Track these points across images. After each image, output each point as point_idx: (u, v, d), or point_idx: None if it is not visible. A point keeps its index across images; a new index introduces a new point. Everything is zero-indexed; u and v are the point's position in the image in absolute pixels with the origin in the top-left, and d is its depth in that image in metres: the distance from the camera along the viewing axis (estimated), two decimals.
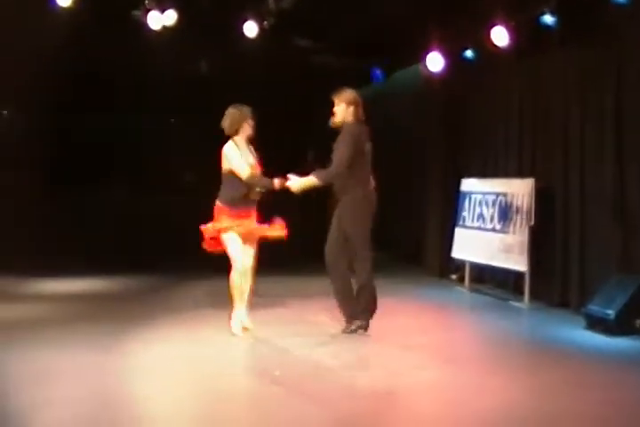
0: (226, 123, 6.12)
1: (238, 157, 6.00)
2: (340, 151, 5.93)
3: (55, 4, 8.04)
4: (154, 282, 9.14)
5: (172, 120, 12.68)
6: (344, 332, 6.12)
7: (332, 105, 6.17)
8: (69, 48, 9.82)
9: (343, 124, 6.11)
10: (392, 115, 12.27)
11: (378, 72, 11.32)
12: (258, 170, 6.16)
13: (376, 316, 7.01)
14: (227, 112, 6.14)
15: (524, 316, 7.49)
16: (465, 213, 8.94)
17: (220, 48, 10.60)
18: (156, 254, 10.57)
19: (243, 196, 6.04)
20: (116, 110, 12.67)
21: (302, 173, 11.66)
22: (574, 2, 7.03)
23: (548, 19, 7.26)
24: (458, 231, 9.06)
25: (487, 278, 8.97)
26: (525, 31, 7.74)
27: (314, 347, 5.82)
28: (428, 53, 9.19)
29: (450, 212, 9.28)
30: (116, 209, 11.43)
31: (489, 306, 7.92)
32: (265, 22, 9.32)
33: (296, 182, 5.94)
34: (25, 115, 11.09)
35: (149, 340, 5.98)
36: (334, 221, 6.17)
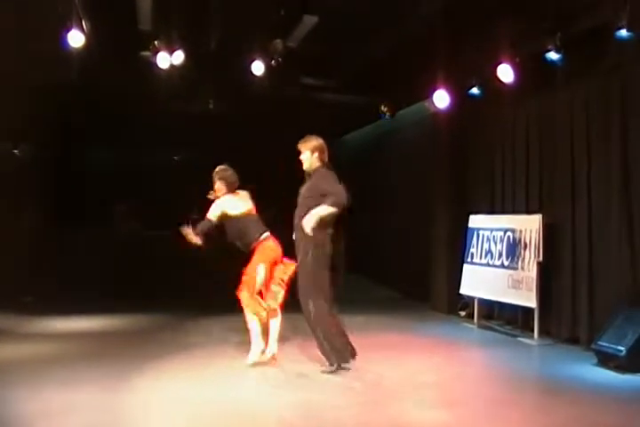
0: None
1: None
2: (332, 187, 6.01)
3: (67, 43, 8.17)
4: (162, 319, 9.10)
5: (175, 158, 12.79)
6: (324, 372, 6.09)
7: (299, 152, 6.36)
8: (80, 85, 9.99)
9: (313, 170, 6.28)
10: (399, 151, 12.36)
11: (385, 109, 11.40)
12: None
13: (385, 353, 6.98)
14: (226, 175, 6.59)
15: (533, 352, 7.40)
16: (473, 250, 8.92)
17: (228, 86, 10.74)
18: (164, 291, 10.55)
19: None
20: (123, 146, 12.83)
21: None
22: (578, 38, 7.11)
23: (553, 55, 7.34)
24: (466, 268, 9.02)
25: (496, 315, 8.91)
26: (531, 68, 7.82)
27: (318, 386, 5.76)
28: (434, 90, 9.27)
29: (458, 248, 9.26)
30: (123, 243, 11.40)
31: (498, 343, 7.84)
32: (272, 61, 9.45)
33: (308, 217, 5.87)
34: (34, 149, 11.21)
35: (156, 378, 5.92)
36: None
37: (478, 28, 8.56)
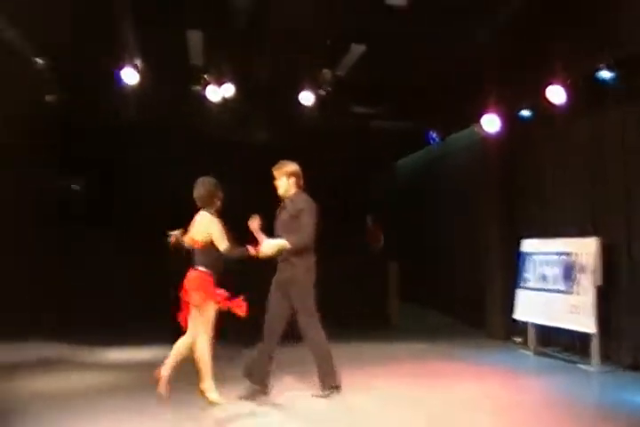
0: (200, 194, 6.11)
1: (220, 229, 6.00)
2: (307, 220, 6.07)
3: (122, 81, 8.48)
4: (220, 349, 9.02)
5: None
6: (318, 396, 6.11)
7: (272, 177, 6.33)
8: (136, 121, 10.32)
9: (290, 195, 6.27)
10: (448, 176, 12.31)
11: (434, 134, 11.40)
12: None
13: (439, 381, 6.87)
14: (199, 183, 6.15)
15: (593, 379, 7.17)
16: (527, 274, 8.75)
17: (278, 117, 10.88)
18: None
19: (219, 265, 6.05)
20: (175, 178, 13.03)
21: (363, 236, 11.55)
22: (630, 56, 6.99)
23: (605, 74, 7.23)
24: (520, 293, 8.84)
25: (553, 341, 8.66)
26: (582, 88, 7.72)
27: (375, 416, 5.70)
28: (483, 114, 9.22)
29: (511, 272, 9.10)
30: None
31: (556, 369, 7.63)
32: (321, 91, 9.55)
33: (267, 245, 5.99)
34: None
35: (208, 407, 5.89)
36: (277, 291, 6.20)
37: (528, 50, 8.48)
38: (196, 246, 6.05)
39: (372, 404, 6.03)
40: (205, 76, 9.04)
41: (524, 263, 8.84)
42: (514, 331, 9.18)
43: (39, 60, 8.47)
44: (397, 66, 9.60)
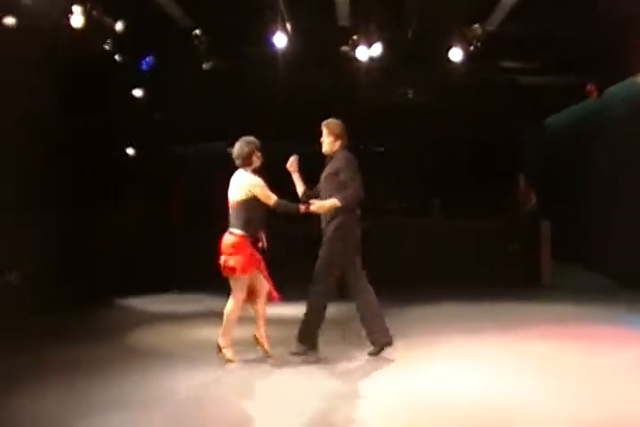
0: (240, 153, 6.02)
1: (264, 185, 5.98)
2: (349, 176, 6.01)
3: (273, 44, 8.73)
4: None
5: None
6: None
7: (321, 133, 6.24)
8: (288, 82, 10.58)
9: (334, 152, 6.20)
10: (606, 130, 11.75)
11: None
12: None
13: (600, 346, 6.61)
14: (239, 142, 6.07)
15: None
16: None
17: (426, 75, 10.77)
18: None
19: (258, 225, 6.04)
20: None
21: (515, 195, 11.28)
22: None
23: None
24: None
25: None
26: None
27: (520, 377, 5.63)
28: None
29: None
30: None
31: None
32: (471, 46, 9.34)
33: (320, 204, 5.98)
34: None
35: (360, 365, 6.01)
36: None
37: None
38: (233, 207, 6.02)
39: (532, 369, 5.78)
40: (354, 36, 9.08)
41: None
42: None
43: (197, 31, 8.85)
44: (550, 18, 9.20)
